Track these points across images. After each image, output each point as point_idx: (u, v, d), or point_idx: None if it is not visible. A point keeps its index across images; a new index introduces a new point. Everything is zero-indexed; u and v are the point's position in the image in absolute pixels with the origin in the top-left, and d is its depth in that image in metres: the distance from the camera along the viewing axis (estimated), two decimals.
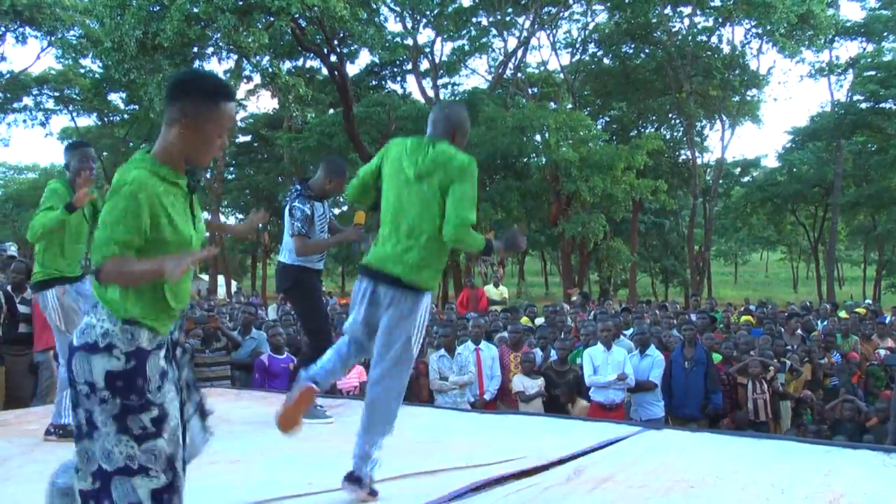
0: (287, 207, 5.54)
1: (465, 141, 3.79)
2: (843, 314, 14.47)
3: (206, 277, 37.31)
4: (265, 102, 57.36)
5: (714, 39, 33.42)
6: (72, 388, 2.48)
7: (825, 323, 12.52)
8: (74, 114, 39.91)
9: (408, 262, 3.58)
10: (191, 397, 2.72)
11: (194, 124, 2.51)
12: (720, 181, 36.93)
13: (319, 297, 5.89)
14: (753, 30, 31.55)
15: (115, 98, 39.14)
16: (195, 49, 23.46)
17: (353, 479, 3.56)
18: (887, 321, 12.74)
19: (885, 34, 34.11)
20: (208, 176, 34.22)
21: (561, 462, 4.20)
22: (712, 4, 31.90)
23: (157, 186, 2.48)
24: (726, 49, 32.86)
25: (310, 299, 5.76)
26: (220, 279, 36.19)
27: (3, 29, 31.28)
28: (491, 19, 34.10)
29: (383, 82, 35.95)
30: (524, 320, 11.64)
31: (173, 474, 2.48)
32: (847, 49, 37.40)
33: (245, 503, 3.57)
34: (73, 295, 4.98)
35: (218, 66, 28.04)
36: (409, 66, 34.02)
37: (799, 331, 11.11)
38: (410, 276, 3.57)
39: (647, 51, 34.38)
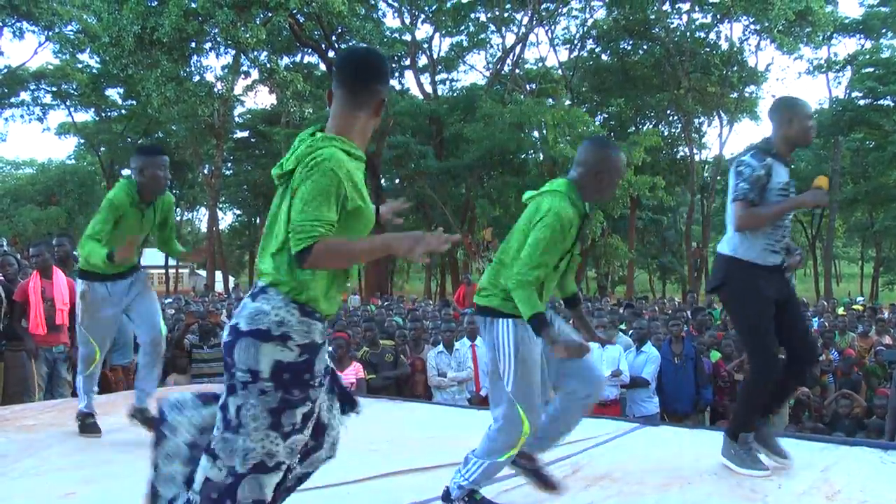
0: (733, 168, 4.02)
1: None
2: (841, 311, 14.49)
3: (204, 273, 37.31)
4: (263, 98, 57.64)
5: (712, 36, 33.45)
6: (227, 372, 2.39)
7: (822, 320, 12.49)
8: (72, 109, 39.84)
9: None
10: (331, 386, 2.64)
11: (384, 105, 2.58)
12: (718, 178, 36.86)
13: (761, 307, 3.92)
14: (752, 26, 31.52)
15: (113, 93, 39.24)
16: (193, 44, 23.44)
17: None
18: (886, 318, 12.72)
19: (884, 31, 34.16)
20: (206, 172, 34.20)
21: (557, 459, 4.19)
22: (710, 1, 31.87)
23: (349, 163, 2.41)
24: (724, 45, 32.85)
25: (742, 307, 4.03)
26: (219, 275, 36.24)
27: (0, 23, 31.20)
28: (489, 15, 34.07)
29: None
30: None
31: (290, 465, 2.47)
32: (845, 46, 37.49)
33: None
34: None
35: (216, 62, 28.15)
36: (408, 62, 34.01)
37: None
38: None
39: (645, 47, 34.32)
